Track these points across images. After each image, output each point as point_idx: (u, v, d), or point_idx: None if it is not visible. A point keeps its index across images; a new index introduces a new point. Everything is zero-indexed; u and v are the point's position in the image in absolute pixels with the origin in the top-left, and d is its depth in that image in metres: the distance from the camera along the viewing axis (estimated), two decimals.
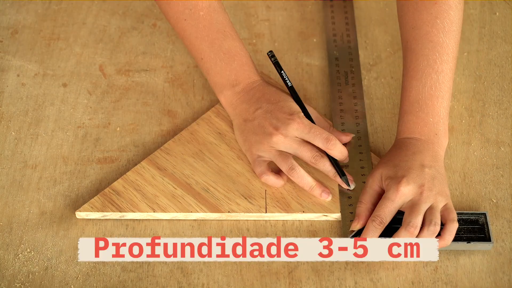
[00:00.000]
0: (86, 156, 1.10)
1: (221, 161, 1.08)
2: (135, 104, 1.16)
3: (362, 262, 0.99)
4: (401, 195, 0.97)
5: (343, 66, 1.19)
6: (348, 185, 1.04)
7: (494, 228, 1.03)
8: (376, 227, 0.97)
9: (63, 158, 1.10)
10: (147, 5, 1.28)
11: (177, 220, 1.03)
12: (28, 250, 1.00)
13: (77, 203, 1.05)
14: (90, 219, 1.03)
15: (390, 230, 0.98)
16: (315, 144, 1.03)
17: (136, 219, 1.03)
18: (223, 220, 1.04)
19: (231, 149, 1.09)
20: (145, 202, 1.03)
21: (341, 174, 1.04)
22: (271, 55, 1.08)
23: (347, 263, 1.00)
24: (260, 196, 1.05)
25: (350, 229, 1.00)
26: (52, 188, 1.07)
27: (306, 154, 1.03)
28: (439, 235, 0.97)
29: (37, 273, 0.99)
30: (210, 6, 1.08)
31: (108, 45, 1.23)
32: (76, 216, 1.03)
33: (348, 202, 1.03)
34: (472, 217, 1.02)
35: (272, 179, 1.04)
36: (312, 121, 1.05)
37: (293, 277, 0.98)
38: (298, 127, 1.03)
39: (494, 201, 1.05)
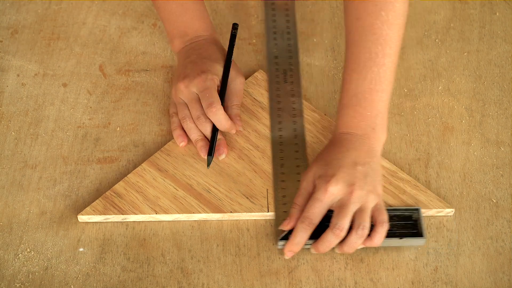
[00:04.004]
0: (86, 156, 1.10)
1: (221, 161, 1.08)
2: (135, 104, 1.16)
3: (362, 262, 1.00)
4: (330, 195, 0.96)
5: (282, 64, 1.19)
6: (208, 166, 1.06)
7: (494, 228, 1.03)
8: (305, 228, 0.97)
9: (63, 158, 1.10)
10: (147, 5, 1.28)
11: (177, 220, 1.03)
12: (28, 250, 1.00)
13: (77, 203, 1.05)
14: None
15: (322, 228, 0.97)
16: (202, 104, 1.07)
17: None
18: (223, 220, 1.04)
19: (232, 149, 1.09)
20: (147, 204, 1.03)
21: (209, 152, 1.06)
22: (235, 27, 1.15)
23: (347, 263, 1.00)
24: (261, 195, 1.05)
25: (280, 227, 1.00)
26: (52, 188, 1.07)
27: (194, 111, 1.07)
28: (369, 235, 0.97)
29: (37, 273, 0.99)
30: None
31: (108, 45, 1.23)
32: (79, 219, 1.02)
33: (282, 201, 1.03)
34: (406, 213, 1.02)
35: (175, 122, 1.09)
36: (224, 91, 1.09)
37: (293, 277, 0.98)
38: (197, 84, 1.07)
39: (494, 201, 1.05)
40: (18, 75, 1.19)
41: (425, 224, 1.02)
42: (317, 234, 0.98)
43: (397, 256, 1.00)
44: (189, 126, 1.08)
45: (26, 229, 1.02)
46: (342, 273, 0.99)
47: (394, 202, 1.04)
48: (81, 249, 1.01)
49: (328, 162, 0.99)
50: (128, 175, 1.06)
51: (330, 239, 0.96)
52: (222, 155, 1.07)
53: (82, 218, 1.02)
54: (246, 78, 1.18)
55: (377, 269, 0.99)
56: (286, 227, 0.99)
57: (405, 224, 1.01)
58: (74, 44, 1.23)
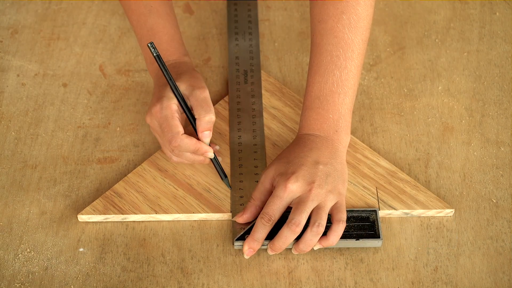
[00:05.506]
0: (86, 156, 1.10)
1: (221, 162, 1.08)
2: (135, 104, 1.16)
3: (362, 262, 1.00)
4: (289, 192, 0.97)
5: (243, 65, 1.18)
6: (229, 187, 1.04)
7: (494, 228, 1.03)
8: (264, 225, 0.97)
9: (63, 158, 1.10)
10: None
11: (177, 220, 1.03)
12: (28, 250, 1.00)
13: (77, 203, 1.05)
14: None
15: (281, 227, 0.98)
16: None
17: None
18: (223, 220, 1.03)
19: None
20: (147, 204, 1.03)
21: (223, 175, 1.03)
22: (152, 46, 1.00)
23: (347, 263, 1.00)
24: None
25: (233, 219, 1.01)
26: (52, 188, 1.07)
27: (165, 148, 1.02)
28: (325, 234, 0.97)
29: (37, 273, 0.99)
30: None
31: (108, 45, 1.23)
32: (79, 219, 1.02)
33: (239, 201, 1.03)
34: (363, 214, 1.02)
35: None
36: (189, 111, 1.01)
37: (293, 277, 0.98)
38: (156, 115, 1.00)
39: (494, 201, 1.05)
40: (18, 75, 1.19)
41: (381, 226, 1.02)
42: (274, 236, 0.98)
43: (397, 256, 1.00)
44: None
45: (26, 229, 1.02)
46: (342, 273, 0.99)
47: (394, 203, 1.04)
48: (81, 249, 1.01)
49: (289, 160, 0.99)
50: (128, 175, 1.06)
51: (286, 234, 0.96)
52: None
53: (82, 217, 1.02)
54: None
55: (377, 269, 0.99)
56: (239, 219, 1.00)
57: (362, 225, 1.01)
58: (74, 44, 1.23)
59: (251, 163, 1.07)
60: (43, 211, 1.04)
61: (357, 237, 1.00)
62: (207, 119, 1.01)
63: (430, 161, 1.09)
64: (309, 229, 0.96)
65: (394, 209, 1.03)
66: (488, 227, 1.03)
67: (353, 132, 1.12)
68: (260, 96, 1.14)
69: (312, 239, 0.97)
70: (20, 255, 1.00)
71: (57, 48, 1.23)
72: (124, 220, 1.03)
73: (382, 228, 1.03)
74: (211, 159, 1.03)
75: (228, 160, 1.08)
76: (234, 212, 1.02)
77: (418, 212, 1.03)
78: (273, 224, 0.97)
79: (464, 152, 1.10)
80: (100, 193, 1.05)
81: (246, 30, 1.22)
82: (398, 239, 1.02)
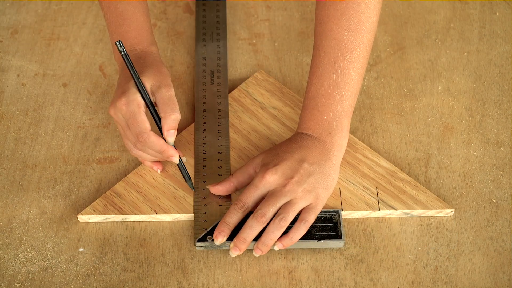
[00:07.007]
0: (86, 156, 1.10)
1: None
2: None
3: (362, 262, 1.00)
4: (265, 182, 0.98)
5: (210, 65, 1.18)
6: (193, 189, 1.03)
7: (494, 228, 1.03)
8: (236, 211, 0.98)
9: (63, 158, 1.10)
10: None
11: (177, 220, 1.03)
12: (28, 250, 1.00)
13: (77, 203, 1.05)
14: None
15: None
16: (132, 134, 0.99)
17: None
18: None
19: (232, 148, 1.09)
20: (147, 204, 1.03)
21: (187, 177, 1.03)
22: (120, 44, 0.98)
23: (347, 263, 1.00)
24: None
25: (206, 186, 1.03)
26: (52, 188, 1.06)
27: (131, 139, 1.00)
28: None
29: (37, 273, 0.99)
30: None
31: (108, 45, 1.23)
32: (79, 219, 1.02)
33: (202, 202, 1.03)
34: (326, 215, 1.02)
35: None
36: (154, 109, 0.99)
37: (293, 277, 0.98)
38: (121, 109, 0.97)
39: (494, 201, 1.05)
40: (18, 75, 1.19)
41: (344, 227, 1.02)
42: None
43: (397, 256, 1.00)
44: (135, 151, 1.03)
45: (26, 229, 1.02)
46: (342, 273, 0.99)
47: (394, 203, 1.04)
48: (81, 249, 1.01)
49: (277, 154, 1.00)
50: (128, 175, 1.06)
51: (251, 224, 0.97)
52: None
53: (82, 218, 1.02)
54: (246, 78, 1.18)
55: (377, 269, 0.99)
56: (212, 188, 1.02)
57: (325, 226, 1.01)
58: (74, 44, 1.23)
59: (215, 164, 1.07)
60: (43, 211, 1.04)
61: (319, 238, 0.99)
62: (172, 117, 0.99)
63: (430, 161, 1.09)
64: (272, 221, 0.97)
65: (394, 209, 1.03)
66: (488, 227, 1.03)
67: (353, 132, 1.12)
68: (226, 96, 1.14)
69: (274, 232, 0.96)
70: (20, 255, 1.00)
71: (57, 48, 1.23)
72: (124, 220, 1.03)
73: (383, 228, 1.03)
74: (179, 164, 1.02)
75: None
76: (197, 213, 1.02)
77: (418, 212, 1.03)
78: (246, 212, 0.98)
79: (464, 152, 1.10)
80: (100, 193, 1.05)
81: (214, 31, 1.22)
82: (398, 239, 1.02)
